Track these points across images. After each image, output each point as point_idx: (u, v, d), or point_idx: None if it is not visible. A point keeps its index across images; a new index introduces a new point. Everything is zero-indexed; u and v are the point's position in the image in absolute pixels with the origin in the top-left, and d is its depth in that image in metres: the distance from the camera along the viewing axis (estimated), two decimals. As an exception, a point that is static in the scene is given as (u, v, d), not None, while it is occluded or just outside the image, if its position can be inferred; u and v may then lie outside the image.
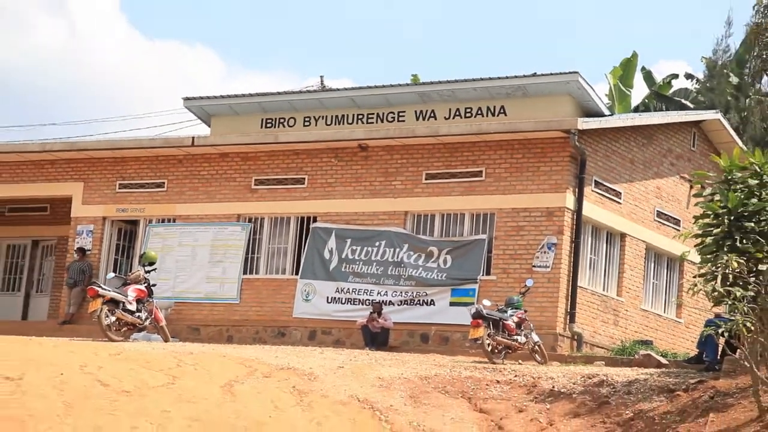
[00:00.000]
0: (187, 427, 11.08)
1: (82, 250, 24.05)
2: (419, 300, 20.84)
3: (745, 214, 11.62)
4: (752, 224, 11.57)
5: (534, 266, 19.86)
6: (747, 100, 33.58)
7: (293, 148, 22.86)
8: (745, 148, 19.93)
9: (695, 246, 12.50)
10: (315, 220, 22.36)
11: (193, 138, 24.13)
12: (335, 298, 21.56)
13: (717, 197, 12.03)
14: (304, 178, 22.64)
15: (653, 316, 22.63)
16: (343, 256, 21.71)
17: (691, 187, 12.32)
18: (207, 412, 11.62)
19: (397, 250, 21.12)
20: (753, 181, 11.79)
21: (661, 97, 37.19)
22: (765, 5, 30.91)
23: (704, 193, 12.39)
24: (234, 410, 11.85)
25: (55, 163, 25.38)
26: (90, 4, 78.40)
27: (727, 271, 11.03)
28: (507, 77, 23.46)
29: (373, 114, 24.19)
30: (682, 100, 36.41)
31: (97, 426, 10.64)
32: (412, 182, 21.51)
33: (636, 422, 11.91)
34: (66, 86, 74.42)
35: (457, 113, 23.56)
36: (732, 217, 11.66)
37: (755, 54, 32.14)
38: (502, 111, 22.92)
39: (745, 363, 11.15)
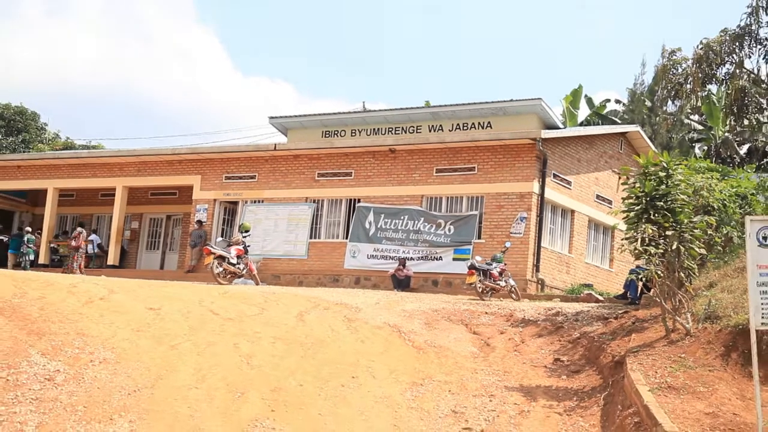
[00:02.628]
0: (271, 343, 11.90)
1: (200, 222, 26.74)
2: (431, 257, 23.08)
3: (657, 196, 11.77)
4: (662, 203, 11.72)
5: (511, 233, 22.18)
6: (656, 118, 35.55)
7: (344, 151, 25.33)
8: (656, 150, 22.54)
9: (622, 218, 12.65)
10: (359, 201, 24.73)
11: (275, 145, 26.88)
12: (373, 255, 23.91)
13: (637, 185, 12.11)
14: (351, 172, 25.20)
15: (593, 267, 25.19)
16: (378, 226, 24.01)
17: (619, 177, 11.86)
18: (285, 333, 12.51)
19: (416, 222, 23.49)
20: (662, 174, 11.93)
21: (598, 115, 39.27)
22: (669, 52, 34.30)
23: (629, 182, 12.42)
24: (303, 332, 12.76)
25: (181, 162, 28.12)
26: (206, 54, 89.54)
27: (644, 235, 11.59)
28: (492, 101, 26.58)
29: (399, 127, 27.89)
30: (613, 118, 38.60)
31: (211, 342, 11.61)
32: (426, 175, 23.91)
33: (581, 340, 12.94)
34: (189, 109, 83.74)
35: (458, 126, 26.80)
36: (648, 198, 11.82)
37: (662, 86, 34.04)
38: (489, 125, 26.21)
39: (656, 299, 12.25)
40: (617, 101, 40.19)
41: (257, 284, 20.06)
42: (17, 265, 26.98)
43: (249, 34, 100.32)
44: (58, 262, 28.93)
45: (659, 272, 11.72)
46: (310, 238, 25.16)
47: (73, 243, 26.00)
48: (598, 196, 25.63)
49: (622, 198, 12.65)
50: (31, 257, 26.98)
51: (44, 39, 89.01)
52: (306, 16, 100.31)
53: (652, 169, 12.04)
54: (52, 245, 30.22)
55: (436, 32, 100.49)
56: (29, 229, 29.26)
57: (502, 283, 19.31)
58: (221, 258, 19.52)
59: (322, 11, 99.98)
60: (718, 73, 34.04)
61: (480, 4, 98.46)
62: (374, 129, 28.21)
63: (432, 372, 11.70)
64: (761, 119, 35.68)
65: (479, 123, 26.45)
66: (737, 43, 33.61)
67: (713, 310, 11.54)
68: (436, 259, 22.98)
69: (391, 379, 11.27)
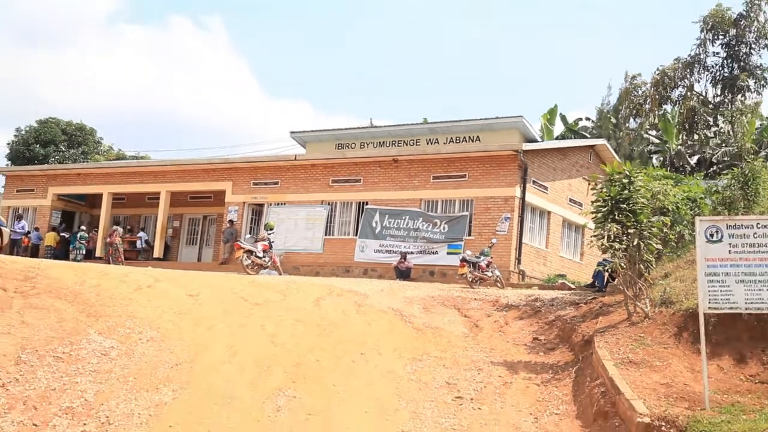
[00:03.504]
0: (292, 325, 11.95)
1: (231, 221, 26.60)
2: (428, 251, 22.99)
3: (621, 199, 11.72)
4: (625, 206, 11.68)
5: (496, 231, 22.06)
6: (620, 133, 35.16)
7: (354, 161, 25.30)
8: (620, 161, 22.04)
9: (591, 218, 12.62)
10: (367, 204, 24.58)
11: (295, 155, 26.89)
12: (379, 250, 23.75)
13: (604, 190, 12.05)
14: (360, 179, 25.04)
15: (566, 260, 25.04)
16: (383, 225, 23.91)
17: (589, 183, 11.62)
18: (304, 316, 12.55)
19: (415, 221, 23.43)
20: (625, 181, 11.90)
21: (571, 131, 38.71)
22: (631, 77, 34.37)
23: (597, 187, 12.36)
24: (320, 315, 12.76)
25: (215, 170, 28.07)
26: (237, 79, 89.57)
27: (610, 233, 11.56)
28: (481, 118, 26.46)
29: (401, 140, 27.64)
30: (584, 133, 37.95)
31: (241, 324, 11.65)
32: (424, 181, 23.81)
33: (556, 322, 12.84)
34: (222, 125, 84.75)
35: (451, 140, 26.67)
36: (613, 202, 11.77)
37: (625, 106, 34.18)
38: (478, 138, 25.99)
39: (620, 287, 12.31)
40: (587, 119, 39.96)
41: (280, 274, 19.99)
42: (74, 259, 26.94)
43: (274, 61, 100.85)
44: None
45: (622, 264, 11.73)
46: (325, 235, 25.08)
47: (108, 239, 26.26)
48: (570, 200, 25.52)
49: (591, 201, 12.57)
50: (83, 251, 26.98)
51: (102, 67, 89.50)
52: (321, 46, 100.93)
53: (617, 176, 12.03)
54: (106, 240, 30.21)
55: (434, 57, 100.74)
56: (83, 227, 29.36)
57: (489, 274, 19.28)
58: (249, 252, 19.57)
59: (335, 42, 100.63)
60: (672, 95, 34.24)
61: (474, 33, 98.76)
62: (380, 142, 28.19)
63: (429, 349, 11.67)
64: (708, 134, 35.68)
65: (469, 137, 26.41)
66: (688, 70, 33.82)
67: (668, 296, 11.56)
68: (433, 253, 22.89)
69: (394, 355, 11.26)
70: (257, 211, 27.12)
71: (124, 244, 29.31)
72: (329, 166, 25.68)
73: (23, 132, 48.07)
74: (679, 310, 10.96)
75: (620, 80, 38.62)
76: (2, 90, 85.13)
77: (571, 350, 11.38)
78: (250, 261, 19.47)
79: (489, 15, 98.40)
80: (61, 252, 28.27)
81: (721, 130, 35.24)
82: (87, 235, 28.06)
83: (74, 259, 26.03)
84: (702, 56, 33.91)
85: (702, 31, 33.92)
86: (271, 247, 20.34)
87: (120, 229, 26.87)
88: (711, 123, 35.68)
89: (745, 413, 7.69)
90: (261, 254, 19.76)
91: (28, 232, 29.19)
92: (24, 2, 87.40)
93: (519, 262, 22.13)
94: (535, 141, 26.69)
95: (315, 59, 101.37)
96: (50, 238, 29.07)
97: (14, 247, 26.90)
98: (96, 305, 11.55)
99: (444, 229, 22.96)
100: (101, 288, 12.46)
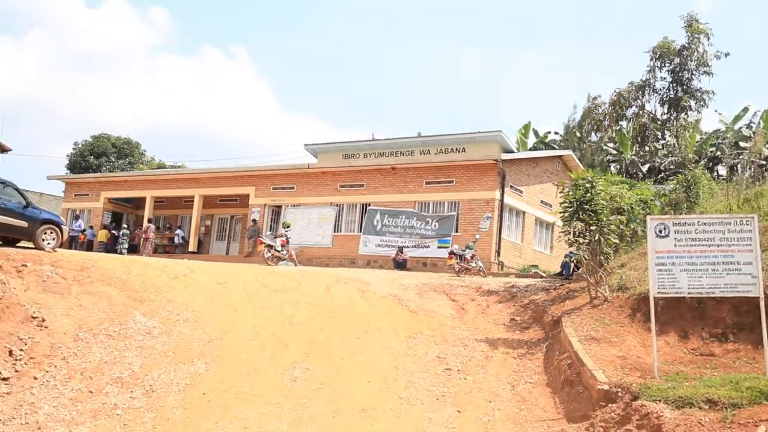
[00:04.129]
0: (306, 308, 12.00)
1: (254, 220, 26.37)
2: (421, 245, 22.79)
3: (584, 201, 11.67)
4: (587, 206, 11.62)
5: (479, 228, 21.99)
6: (584, 145, 34.68)
7: (358, 169, 25.12)
8: (583, 168, 21.68)
9: (559, 217, 12.48)
10: (369, 205, 24.34)
11: (308, 164, 26.55)
12: (379, 244, 23.54)
13: (570, 193, 11.98)
14: (363, 184, 24.80)
15: (539, 253, 24.85)
16: (383, 223, 23.72)
17: (558, 188, 13.21)
18: (316, 300, 12.62)
19: (411, 220, 23.25)
20: (587, 185, 11.82)
21: (542, 143, 38.46)
22: (592, 98, 34.33)
23: (564, 191, 12.26)
24: (329, 299, 12.79)
25: (241, 177, 27.71)
26: (260, 98, 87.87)
27: (575, 229, 11.63)
28: (466, 133, 26.35)
29: (398, 151, 27.50)
30: (553, 145, 37.72)
31: (264, 307, 11.74)
32: (418, 186, 23.64)
33: (530, 305, 12.65)
34: (247, 138, 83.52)
35: (441, 150, 26.48)
36: (577, 203, 11.73)
37: (587, 122, 33.82)
38: (463, 149, 25.86)
39: (584, 275, 12.16)
40: (556, 133, 39.63)
41: (296, 265, 19.92)
42: (131, 253, 26.91)
43: (291, 82, 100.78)
44: (153, 250, 28.88)
45: (586, 256, 11.71)
46: (334, 232, 24.84)
47: (144, 235, 26.03)
48: (542, 201, 25.33)
49: (560, 202, 12.50)
50: (126, 246, 26.85)
51: (146, 90, 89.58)
52: (331, 71, 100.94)
53: (581, 182, 11.98)
54: (143, 235, 30.17)
55: (428, 79, 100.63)
56: (125, 226, 29.31)
57: (473, 265, 19.13)
58: (270, 246, 19.48)
59: (343, 68, 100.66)
60: (626, 113, 34.21)
61: (464, 60, 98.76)
62: (380, 152, 27.98)
63: (422, 328, 11.62)
64: (657, 146, 35.65)
65: (456, 148, 26.20)
66: (640, 92, 33.85)
67: (624, 283, 11.52)
68: (425, 247, 22.74)
69: (392, 334, 11.20)
70: (276, 211, 26.90)
71: (164, 240, 29.50)
72: (337, 174, 25.50)
73: (80, 145, 48.30)
74: (633, 295, 10.92)
75: (584, 101, 38.33)
76: (63, 109, 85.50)
77: (542, 329, 11.34)
78: (270, 254, 19.40)
79: (479, 45, 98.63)
80: (112, 247, 28.14)
81: (668, 143, 35.22)
82: (128, 232, 27.94)
83: (119, 253, 25.98)
84: (652, 80, 33.99)
85: (651, 59, 34.05)
86: (288, 242, 20.26)
87: (152, 227, 26.63)
88: (659, 137, 35.67)
89: (687, 381, 7.73)
90: (280, 248, 19.66)
91: (84, 230, 29.13)
92: (82, 36, 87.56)
93: (499, 255, 22.02)
94: (512, 152, 26.56)
95: (326, 81, 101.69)
96: (102, 235, 28.96)
97: (72, 243, 26.87)
98: (140, 291, 11.62)
99: (435, 226, 22.82)
100: (145, 277, 12.56)
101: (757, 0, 79.30)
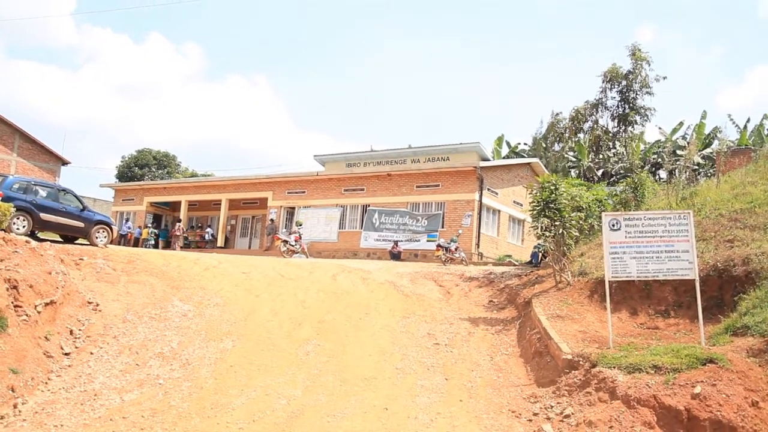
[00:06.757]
0: (316, 293, 11.92)
1: (272, 220, 25.99)
2: (413, 239, 22.56)
3: (549, 201, 11.56)
4: (552, 205, 11.52)
5: (462, 224, 21.86)
6: (548, 154, 34.26)
7: (359, 176, 24.85)
8: (548, 173, 20.70)
9: (529, 214, 12.28)
10: (369, 206, 24.16)
11: (317, 172, 26.10)
12: (377, 239, 23.31)
13: (538, 194, 11.85)
14: (364, 188, 24.60)
15: (512, 245, 24.72)
16: (381, 221, 23.48)
17: (527, 190, 13.02)
18: (325, 287, 12.53)
19: (404, 218, 23.03)
20: (552, 188, 11.69)
21: (514, 152, 38.05)
22: (555, 114, 34.06)
23: (532, 193, 12.08)
24: (336, 286, 12.70)
25: (260, 183, 27.38)
26: (276, 116, 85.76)
27: (542, 225, 11.56)
28: (450, 144, 26.02)
29: (393, 160, 27.30)
30: (523, 154, 37.14)
31: (280, 293, 11.69)
32: (410, 189, 23.44)
33: (505, 289, 12.50)
34: (265, 150, 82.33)
35: (429, 159, 26.12)
36: (544, 203, 11.61)
37: (551, 135, 33.35)
38: (447, 158, 25.55)
39: (550, 263, 12.09)
40: (525, 144, 39.29)
41: (307, 258, 19.72)
42: (155, 247, 26.69)
43: (302, 103, 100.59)
44: (187, 245, 28.63)
45: (551, 247, 11.67)
46: (339, 229, 24.61)
47: (176, 232, 25.79)
48: (514, 201, 25.19)
49: (529, 202, 12.37)
50: (152, 242, 26.32)
51: (181, 112, 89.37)
52: (336, 92, 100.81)
53: (546, 184, 11.90)
54: (184, 234, 30.01)
55: (419, 97, 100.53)
56: (152, 224, 29.26)
57: (457, 255, 18.98)
58: (285, 242, 19.40)
59: (346, 90, 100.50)
60: (583, 127, 34.06)
61: (449, 80, 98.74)
62: (378, 161, 27.61)
63: (415, 309, 11.50)
64: (609, 155, 35.60)
65: (441, 157, 25.98)
66: (594, 109, 33.68)
67: (583, 269, 11.44)
68: (416, 240, 22.52)
69: (389, 314, 11.08)
70: (290, 212, 26.66)
71: (196, 237, 29.29)
72: (342, 180, 25.29)
73: (126, 158, 48.34)
74: (591, 279, 10.83)
75: (548, 116, 38.21)
76: (112, 128, 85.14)
77: (515, 309, 11.24)
78: (286, 248, 19.26)
79: (460, 68, 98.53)
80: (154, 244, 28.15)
81: (618, 152, 35.20)
82: (156, 231, 27.96)
83: (146, 247, 25.89)
84: (604, 99, 33.83)
85: (603, 81, 33.94)
86: (300, 237, 20.20)
87: (181, 225, 26.42)
88: (611, 146, 35.57)
89: (636, 350, 7.67)
90: (294, 243, 19.53)
91: (131, 230, 29.09)
92: (124, 67, 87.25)
93: (478, 247, 21.89)
94: (488, 160, 26.31)
95: (332, 101, 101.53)
96: (146, 233, 28.88)
97: (121, 240, 26.85)
98: (177, 280, 11.54)
99: (424, 223, 22.65)
100: (181, 268, 12.50)
101: (689, 32, 79.44)
